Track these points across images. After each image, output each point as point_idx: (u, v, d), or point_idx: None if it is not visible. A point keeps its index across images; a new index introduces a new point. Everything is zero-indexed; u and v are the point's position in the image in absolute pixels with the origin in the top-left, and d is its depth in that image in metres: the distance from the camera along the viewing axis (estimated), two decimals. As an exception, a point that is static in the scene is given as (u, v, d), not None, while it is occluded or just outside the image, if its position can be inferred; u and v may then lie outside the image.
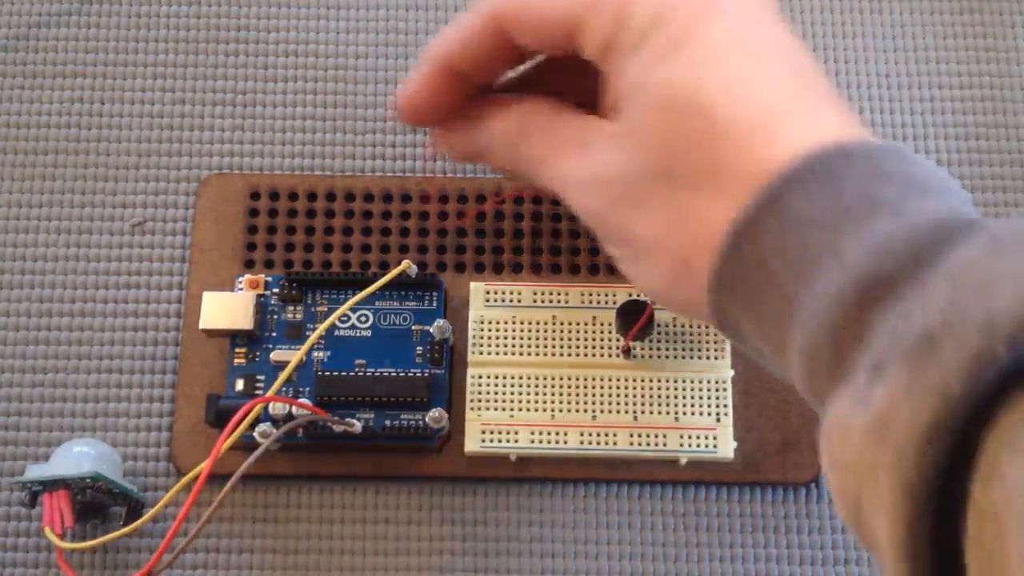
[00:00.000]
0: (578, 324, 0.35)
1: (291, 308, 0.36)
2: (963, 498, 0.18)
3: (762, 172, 0.23)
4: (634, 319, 0.33)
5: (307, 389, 0.35)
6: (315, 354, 0.35)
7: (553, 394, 0.34)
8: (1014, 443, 0.17)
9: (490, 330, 0.35)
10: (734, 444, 0.34)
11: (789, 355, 0.22)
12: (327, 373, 0.34)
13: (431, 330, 0.35)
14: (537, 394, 0.34)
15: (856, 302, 0.20)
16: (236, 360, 0.35)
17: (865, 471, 0.19)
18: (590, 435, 0.34)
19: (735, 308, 0.24)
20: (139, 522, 0.31)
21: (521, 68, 0.31)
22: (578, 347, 0.35)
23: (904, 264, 0.20)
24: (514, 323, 0.35)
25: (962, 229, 0.21)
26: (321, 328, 0.32)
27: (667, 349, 0.35)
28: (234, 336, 0.35)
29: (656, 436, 0.34)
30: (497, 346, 0.35)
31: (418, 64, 0.29)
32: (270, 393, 0.32)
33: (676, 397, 0.34)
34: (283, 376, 0.32)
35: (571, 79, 0.29)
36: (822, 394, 0.22)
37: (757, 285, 0.23)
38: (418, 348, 0.35)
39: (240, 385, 0.35)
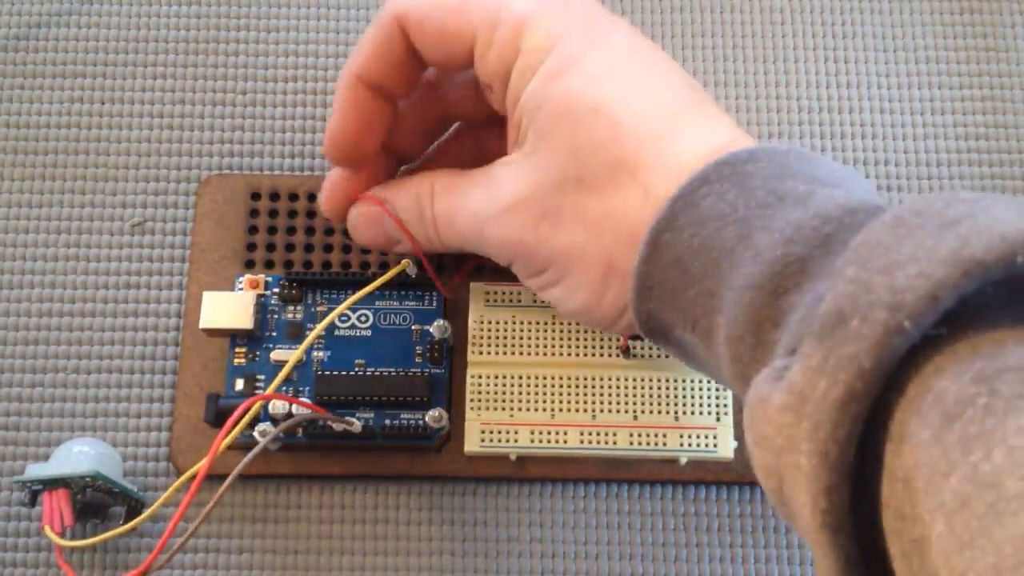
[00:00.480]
0: (578, 324, 0.35)
1: (291, 308, 0.36)
2: (878, 467, 0.19)
3: (674, 169, 0.24)
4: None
5: (307, 388, 0.35)
6: (315, 353, 0.35)
7: (553, 394, 0.34)
8: (920, 409, 0.18)
9: (490, 330, 0.35)
10: (734, 444, 0.34)
11: (716, 346, 0.23)
12: (327, 372, 0.34)
13: (431, 330, 0.35)
14: (537, 394, 0.34)
15: (771, 288, 0.22)
16: (236, 360, 0.35)
17: (785, 445, 0.20)
18: (590, 435, 0.34)
19: (660, 307, 0.25)
20: (137, 520, 0.31)
21: (437, 141, 0.33)
22: (578, 347, 0.35)
23: (813, 248, 0.21)
24: (514, 323, 0.35)
25: (868, 214, 0.22)
26: (320, 326, 0.32)
27: (667, 349, 0.35)
28: (234, 336, 0.35)
29: (656, 436, 0.34)
30: (497, 346, 0.35)
31: (336, 87, 0.30)
32: (269, 391, 0.32)
33: (676, 397, 0.34)
34: (282, 374, 0.31)
35: (486, 147, 0.30)
36: (747, 378, 0.22)
37: (679, 282, 0.24)
38: (418, 348, 0.35)
39: (240, 385, 0.35)
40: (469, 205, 0.28)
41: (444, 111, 0.32)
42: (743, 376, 0.23)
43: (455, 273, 0.35)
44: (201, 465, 0.29)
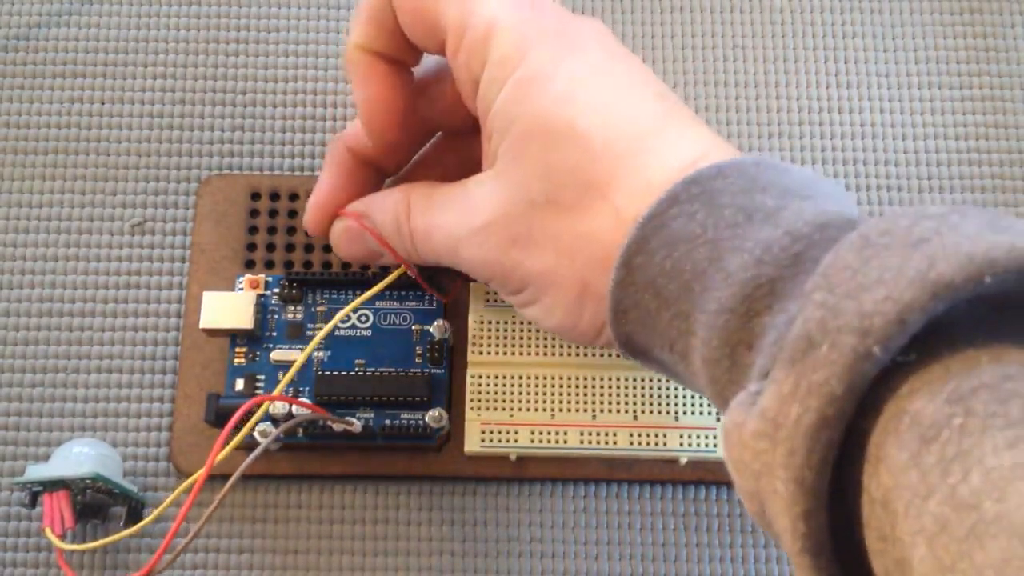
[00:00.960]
0: (578, 324, 0.35)
1: (291, 308, 0.36)
2: (858, 489, 0.19)
3: (644, 190, 0.24)
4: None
5: (307, 388, 0.35)
6: (315, 353, 0.35)
7: (553, 394, 0.34)
8: (896, 430, 0.18)
9: (490, 330, 0.35)
10: (734, 444, 0.34)
11: (694, 367, 0.23)
12: (327, 372, 0.34)
13: (431, 330, 0.35)
14: (537, 394, 0.34)
15: (743, 311, 0.21)
16: (236, 360, 0.35)
17: (762, 471, 0.20)
18: (590, 435, 0.34)
19: (637, 329, 0.25)
20: (141, 524, 0.31)
21: (420, 151, 0.32)
22: (578, 347, 0.35)
23: (783, 268, 0.21)
24: (514, 323, 0.35)
25: (839, 228, 0.22)
26: (324, 330, 0.32)
27: (667, 349, 0.35)
28: (234, 336, 0.35)
29: (656, 436, 0.34)
30: (497, 346, 0.35)
31: (345, 64, 0.30)
32: (276, 392, 0.32)
33: (676, 397, 0.34)
34: (286, 378, 0.31)
35: (471, 155, 0.30)
36: (725, 399, 0.22)
37: (653, 305, 0.24)
38: (418, 348, 0.35)
39: (240, 385, 0.35)
40: (444, 223, 0.28)
41: (427, 121, 0.31)
42: (721, 397, 0.23)
43: (456, 277, 0.35)
44: (200, 474, 0.29)
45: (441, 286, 0.35)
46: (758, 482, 0.20)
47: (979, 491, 0.16)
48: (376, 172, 0.32)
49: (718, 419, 0.34)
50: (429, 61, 0.31)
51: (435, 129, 0.32)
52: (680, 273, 0.23)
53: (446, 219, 0.28)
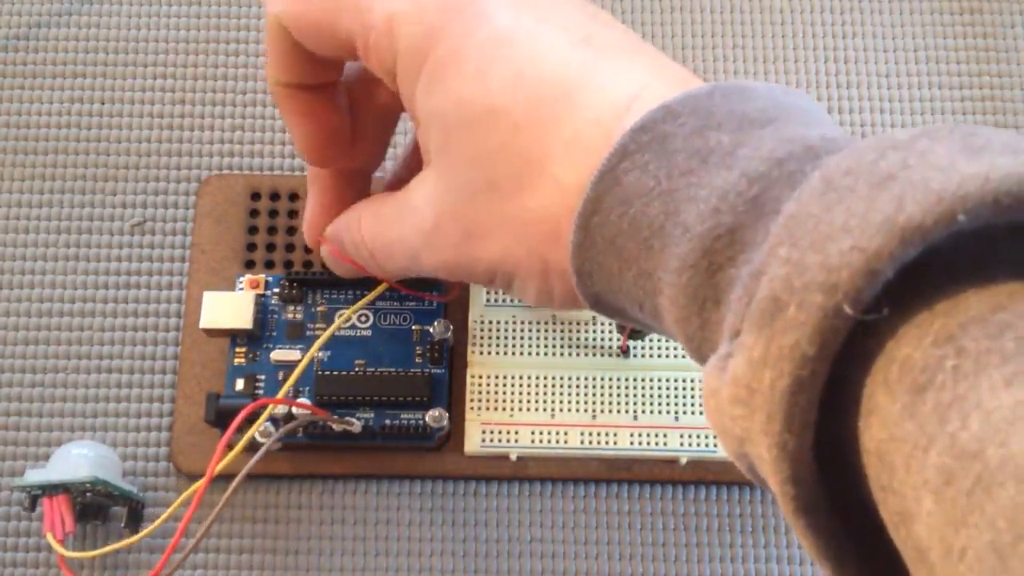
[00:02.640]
0: (578, 324, 0.35)
1: (291, 308, 0.36)
2: (854, 441, 0.18)
3: (579, 152, 0.23)
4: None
5: (307, 388, 0.35)
6: (315, 354, 0.35)
7: (553, 394, 0.34)
8: (887, 380, 0.17)
9: (490, 330, 0.35)
10: (734, 444, 0.34)
11: (668, 326, 0.22)
12: (327, 372, 0.34)
13: (431, 330, 0.35)
14: (537, 394, 0.34)
15: (705, 266, 0.20)
16: (236, 360, 0.35)
17: (744, 436, 0.19)
18: (590, 435, 0.34)
19: (603, 290, 0.24)
20: (141, 535, 0.31)
21: (405, 153, 0.32)
22: (578, 347, 0.35)
23: (743, 215, 0.20)
24: (514, 323, 0.35)
25: (800, 160, 0.20)
26: (328, 332, 0.32)
27: (667, 349, 0.35)
28: (234, 336, 0.35)
29: (656, 436, 0.34)
30: (497, 346, 0.35)
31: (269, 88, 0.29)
32: (280, 395, 0.32)
33: (676, 397, 0.34)
34: (289, 382, 0.31)
35: None
36: (702, 356, 0.22)
37: (615, 266, 0.23)
38: (418, 348, 0.35)
39: (240, 385, 0.35)
40: (396, 236, 0.27)
41: (383, 106, 0.31)
42: (699, 354, 0.22)
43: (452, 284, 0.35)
44: (200, 485, 0.29)
45: (439, 287, 0.35)
46: (742, 446, 0.19)
47: (981, 437, 0.15)
48: (357, 176, 0.31)
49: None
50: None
51: (396, 113, 0.31)
52: (638, 231, 0.22)
53: (399, 232, 0.27)
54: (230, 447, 0.31)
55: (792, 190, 0.19)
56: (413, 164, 0.32)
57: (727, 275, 0.20)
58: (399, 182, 0.30)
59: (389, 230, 0.28)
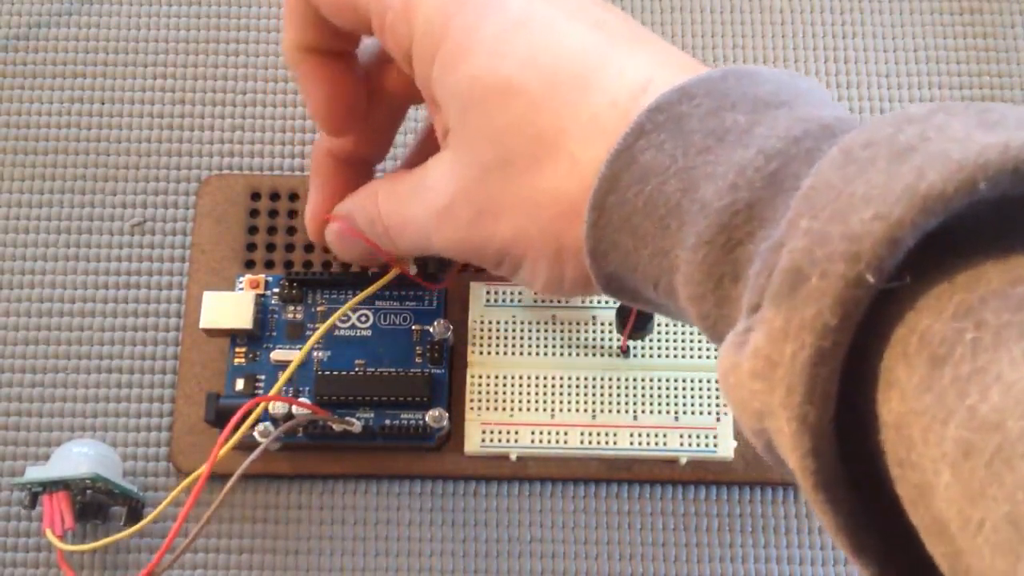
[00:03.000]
0: (578, 324, 0.35)
1: (291, 308, 0.36)
2: (872, 414, 0.18)
3: (595, 130, 0.23)
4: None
5: (307, 388, 0.35)
6: (315, 354, 0.35)
7: (553, 394, 0.34)
8: (906, 353, 0.17)
9: (490, 330, 0.35)
10: (734, 444, 0.34)
11: (681, 304, 0.22)
12: (327, 372, 0.34)
13: (431, 330, 0.35)
14: (537, 394, 0.34)
15: (723, 242, 0.20)
16: (236, 360, 0.35)
17: (763, 410, 0.19)
18: (590, 435, 0.34)
19: (618, 271, 0.24)
20: (141, 524, 0.31)
21: (418, 139, 0.32)
22: (578, 347, 0.35)
23: (761, 191, 0.20)
24: (514, 323, 0.35)
25: (816, 138, 0.20)
26: (322, 329, 0.32)
27: (667, 349, 0.35)
28: (234, 336, 0.35)
29: (656, 436, 0.34)
30: (497, 346, 0.35)
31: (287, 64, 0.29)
32: (273, 392, 0.32)
33: (676, 397, 0.34)
34: (284, 377, 0.32)
35: None
36: (717, 334, 0.21)
37: (631, 245, 0.23)
38: (418, 348, 0.35)
39: (240, 385, 0.35)
40: (411, 213, 0.27)
41: (395, 96, 0.31)
42: (714, 331, 0.22)
43: (449, 265, 0.35)
44: (202, 471, 0.29)
45: (436, 277, 0.35)
46: (761, 422, 0.19)
47: (1001, 409, 0.15)
48: (361, 166, 0.32)
49: (718, 419, 0.34)
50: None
51: (403, 105, 0.32)
52: (654, 209, 0.22)
53: (413, 210, 0.27)
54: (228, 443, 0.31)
55: (809, 166, 0.19)
56: (425, 150, 0.31)
57: (745, 251, 0.20)
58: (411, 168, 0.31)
59: (404, 207, 0.28)
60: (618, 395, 0.34)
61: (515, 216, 0.25)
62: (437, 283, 0.34)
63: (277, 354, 0.35)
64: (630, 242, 0.23)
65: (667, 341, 0.35)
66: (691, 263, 0.21)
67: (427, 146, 0.32)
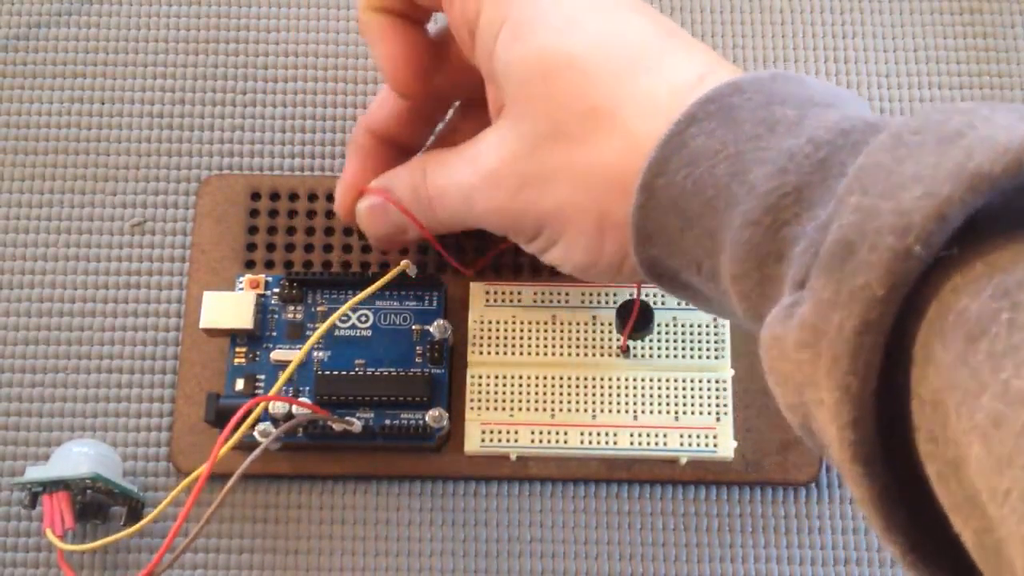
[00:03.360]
0: (578, 324, 0.35)
1: (291, 308, 0.36)
2: (906, 392, 0.18)
3: (651, 108, 0.24)
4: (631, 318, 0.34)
5: (307, 388, 0.35)
6: (315, 354, 0.35)
7: (553, 394, 0.34)
8: (942, 330, 0.18)
9: (490, 330, 0.35)
10: (734, 444, 0.34)
11: (723, 286, 0.23)
12: (327, 372, 0.34)
13: (431, 330, 0.35)
14: (537, 394, 0.34)
15: (770, 222, 0.21)
16: (236, 360, 0.35)
17: (805, 382, 0.19)
18: (590, 435, 0.34)
19: (663, 253, 0.24)
20: (141, 524, 0.31)
21: (439, 126, 0.33)
22: (578, 347, 0.35)
23: (809, 176, 0.21)
24: (514, 323, 0.35)
25: (864, 133, 0.21)
26: (322, 329, 0.32)
27: (667, 349, 0.35)
28: (234, 336, 0.35)
29: (656, 436, 0.34)
30: (497, 346, 0.35)
31: (359, 25, 0.30)
32: (272, 392, 0.32)
33: (676, 397, 0.34)
34: (284, 377, 0.32)
35: (485, 126, 0.30)
36: (758, 315, 0.22)
37: (677, 226, 0.23)
38: (418, 348, 0.35)
39: (240, 385, 0.35)
40: (457, 179, 0.28)
41: (440, 89, 0.32)
42: (754, 313, 0.22)
43: (477, 259, 0.35)
44: (202, 469, 0.29)
45: (465, 260, 0.35)
46: (801, 394, 0.20)
47: None
48: (399, 150, 0.32)
49: (718, 419, 0.34)
50: (433, 29, 0.32)
51: (449, 98, 0.32)
52: (703, 190, 0.22)
53: (458, 176, 0.28)
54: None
55: (856, 157, 0.20)
56: (448, 139, 0.32)
57: (791, 231, 0.21)
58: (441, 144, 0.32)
59: (452, 173, 0.28)
60: (618, 395, 0.34)
61: (562, 187, 0.25)
62: (466, 267, 0.35)
63: (277, 354, 0.35)
64: (677, 224, 0.23)
65: (667, 341, 0.35)
66: (737, 243, 0.22)
67: (455, 136, 0.32)
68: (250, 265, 0.37)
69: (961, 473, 0.17)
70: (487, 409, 0.34)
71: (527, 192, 0.26)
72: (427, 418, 0.34)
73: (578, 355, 0.35)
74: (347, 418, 0.33)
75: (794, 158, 0.21)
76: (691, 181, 0.23)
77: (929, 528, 0.19)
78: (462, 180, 0.28)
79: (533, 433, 0.34)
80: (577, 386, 0.34)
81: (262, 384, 0.35)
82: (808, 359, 0.19)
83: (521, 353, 0.35)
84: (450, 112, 0.34)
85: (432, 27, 0.32)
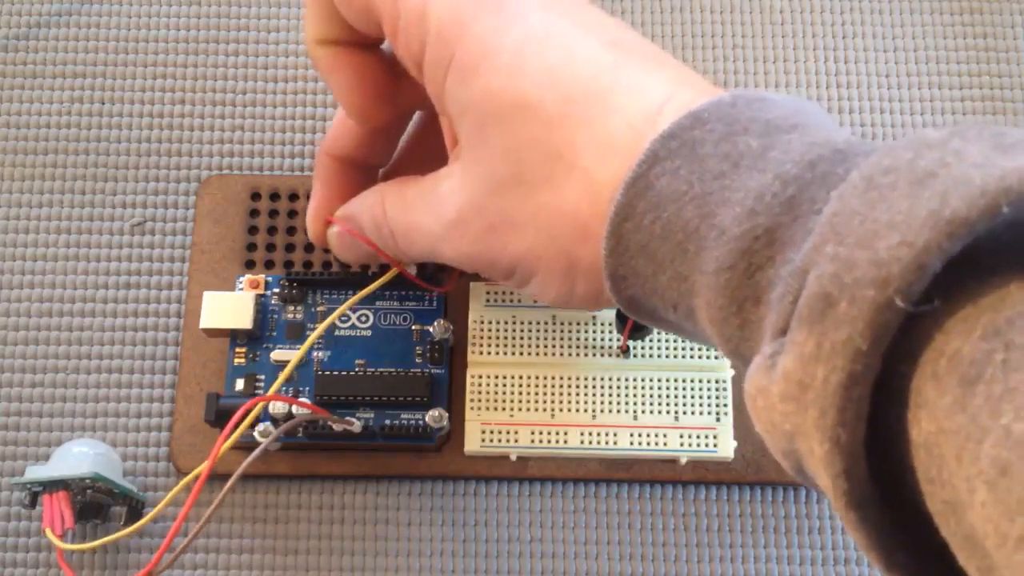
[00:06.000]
0: (578, 324, 0.35)
1: (291, 308, 0.36)
2: (901, 434, 0.18)
3: (610, 150, 0.23)
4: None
5: (307, 388, 0.35)
6: (315, 354, 0.35)
7: (553, 394, 0.34)
8: (936, 374, 0.17)
9: (490, 330, 0.35)
10: (734, 444, 0.34)
11: (701, 326, 0.23)
12: (327, 372, 0.34)
13: (431, 330, 0.35)
14: (537, 394, 0.34)
15: (744, 267, 0.21)
16: (236, 360, 0.35)
17: (794, 432, 0.19)
18: (590, 435, 0.34)
19: (638, 294, 0.24)
20: (140, 523, 0.31)
21: (403, 139, 0.32)
22: (578, 347, 0.35)
23: (779, 217, 0.20)
24: (514, 323, 0.35)
25: (831, 163, 0.21)
26: (321, 328, 0.32)
27: (667, 349, 0.35)
28: (234, 336, 0.35)
29: (656, 436, 0.34)
30: (497, 346, 0.35)
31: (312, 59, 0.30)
32: (271, 392, 0.32)
33: (676, 397, 0.34)
34: (283, 376, 0.32)
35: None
36: (740, 355, 0.22)
37: (649, 270, 0.23)
38: (418, 348, 0.35)
39: (240, 385, 0.35)
40: (420, 223, 0.27)
41: (403, 110, 0.31)
42: (737, 353, 0.22)
43: (453, 270, 0.35)
44: (203, 468, 0.29)
45: (438, 279, 0.35)
46: (792, 443, 0.19)
47: None
48: (364, 170, 0.32)
49: (718, 419, 0.34)
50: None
51: (410, 112, 0.32)
52: (672, 234, 0.22)
53: (421, 219, 0.27)
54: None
55: (826, 191, 0.20)
56: (417, 151, 0.32)
57: (766, 275, 0.20)
58: (400, 165, 0.31)
59: (412, 214, 0.28)
60: (618, 395, 0.34)
61: (528, 233, 0.25)
62: (440, 286, 0.34)
63: (277, 354, 0.35)
64: (648, 267, 0.23)
65: (667, 341, 0.35)
66: (712, 288, 0.21)
67: (419, 146, 0.32)
68: (250, 265, 0.37)
69: (959, 515, 0.17)
70: (487, 409, 0.34)
71: (494, 238, 0.26)
72: (427, 418, 0.34)
73: (578, 355, 0.35)
74: (347, 418, 0.33)
75: (762, 198, 0.21)
76: (659, 225, 0.22)
77: (936, 561, 0.19)
78: (426, 225, 0.27)
79: (533, 433, 0.34)
80: (577, 386, 0.34)
81: (262, 384, 0.35)
82: (794, 411, 0.19)
83: (521, 353, 0.35)
84: (412, 122, 0.33)
85: (387, 45, 0.31)
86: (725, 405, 0.34)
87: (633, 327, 0.34)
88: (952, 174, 0.18)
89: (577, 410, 0.34)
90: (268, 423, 0.33)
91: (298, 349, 0.35)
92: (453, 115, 0.26)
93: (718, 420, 0.34)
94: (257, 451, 0.30)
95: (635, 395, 0.34)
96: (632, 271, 0.23)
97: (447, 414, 0.34)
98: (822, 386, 0.18)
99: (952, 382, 0.17)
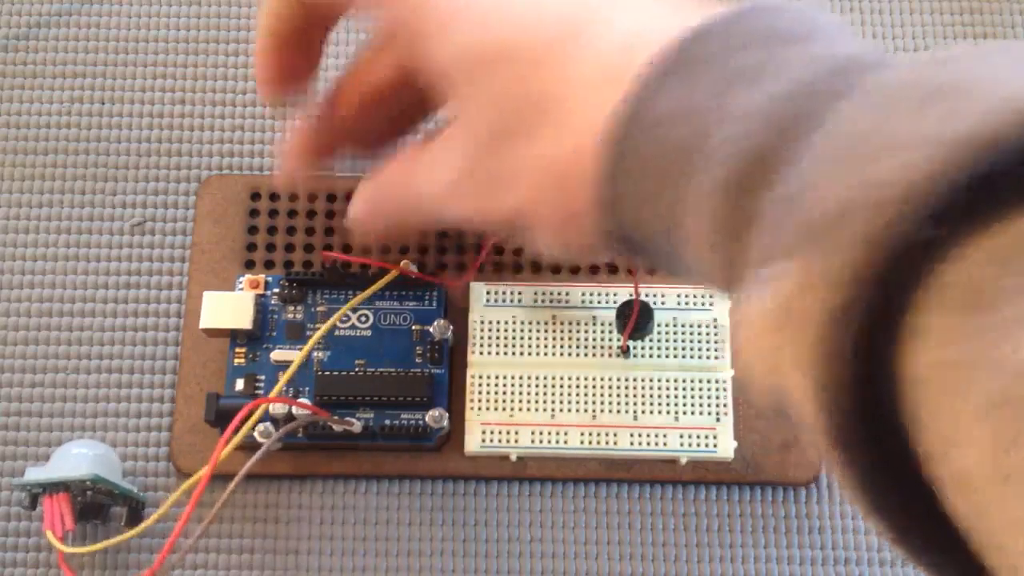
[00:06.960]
0: (578, 324, 0.35)
1: (291, 308, 0.36)
2: (895, 369, 0.17)
3: (598, 85, 0.22)
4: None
5: (307, 389, 0.35)
6: (315, 354, 0.35)
7: (553, 394, 0.34)
8: (940, 303, 0.16)
9: (490, 330, 0.35)
10: (734, 444, 0.34)
11: (693, 254, 0.22)
12: (327, 373, 0.34)
13: (431, 330, 0.35)
14: (537, 394, 0.34)
15: (736, 190, 0.19)
16: (236, 360, 0.35)
17: (778, 365, 0.18)
18: (590, 435, 0.34)
19: (629, 227, 0.23)
20: (142, 526, 0.31)
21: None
22: (578, 347, 0.35)
23: (774, 139, 0.19)
24: (514, 323, 0.35)
25: (829, 84, 0.19)
26: (323, 329, 0.32)
27: (667, 349, 0.35)
28: (234, 336, 0.35)
29: (656, 436, 0.34)
30: (497, 346, 0.35)
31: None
32: (273, 394, 0.32)
33: (676, 397, 0.34)
34: (284, 378, 0.32)
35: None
36: (730, 283, 0.21)
37: (640, 198, 0.22)
38: (418, 348, 0.35)
39: (240, 385, 0.35)
40: (424, 191, 0.27)
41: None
42: (726, 284, 0.21)
43: (464, 270, 0.35)
44: (203, 472, 0.29)
45: (449, 276, 0.35)
46: (775, 377, 0.18)
47: None
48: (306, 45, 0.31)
49: (718, 419, 0.34)
50: None
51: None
52: (663, 159, 0.21)
53: (424, 186, 0.27)
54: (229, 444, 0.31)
55: (825, 110, 0.19)
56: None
57: (760, 197, 0.19)
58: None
59: (417, 185, 0.28)
60: (618, 395, 0.34)
61: (521, 185, 0.24)
62: (448, 280, 0.35)
63: (277, 354, 0.35)
64: (639, 194, 0.22)
65: (667, 341, 0.35)
66: (702, 212, 0.20)
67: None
68: (250, 265, 0.37)
69: (953, 452, 0.16)
70: (487, 409, 0.34)
71: (491, 194, 0.25)
72: (427, 418, 0.34)
73: (578, 355, 0.35)
74: (347, 418, 0.33)
75: (756, 118, 0.19)
76: (651, 150, 0.21)
77: (922, 505, 0.17)
78: (429, 192, 0.27)
79: (533, 433, 0.34)
80: (577, 386, 0.34)
81: (262, 384, 0.35)
82: (780, 342, 0.18)
83: (521, 353, 0.35)
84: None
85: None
86: (725, 405, 0.34)
87: (633, 327, 0.34)
88: (968, 90, 0.16)
89: (577, 410, 0.34)
90: (268, 424, 0.33)
91: (298, 349, 0.35)
92: (437, 80, 0.25)
93: (718, 420, 0.34)
94: (259, 453, 0.30)
95: (635, 395, 0.34)
96: (621, 199, 0.22)
97: (447, 414, 0.34)
98: (811, 314, 0.17)
99: (955, 310, 0.16)
